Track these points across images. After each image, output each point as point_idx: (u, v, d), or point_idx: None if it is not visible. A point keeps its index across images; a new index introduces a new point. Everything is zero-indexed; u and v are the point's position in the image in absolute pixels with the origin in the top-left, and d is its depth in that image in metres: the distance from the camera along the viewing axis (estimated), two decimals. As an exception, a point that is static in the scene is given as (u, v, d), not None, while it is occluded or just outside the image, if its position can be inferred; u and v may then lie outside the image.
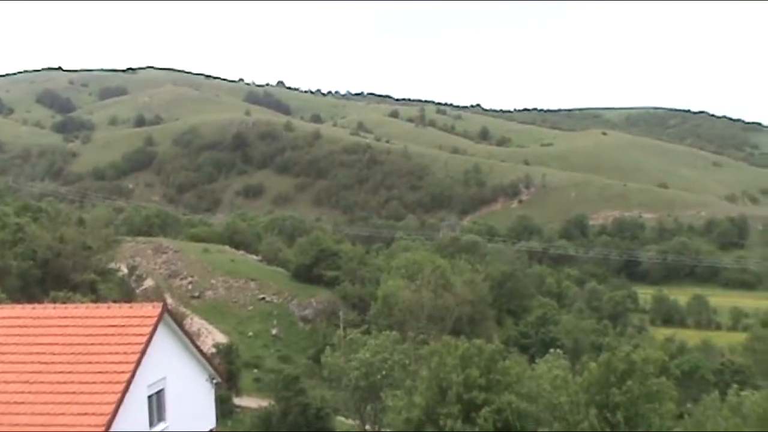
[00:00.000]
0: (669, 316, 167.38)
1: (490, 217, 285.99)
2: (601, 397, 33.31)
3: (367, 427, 45.16)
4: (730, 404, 35.45)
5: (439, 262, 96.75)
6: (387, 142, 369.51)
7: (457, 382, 33.86)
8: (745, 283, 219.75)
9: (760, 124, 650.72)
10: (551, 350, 50.21)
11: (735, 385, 40.31)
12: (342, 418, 51.17)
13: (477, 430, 32.27)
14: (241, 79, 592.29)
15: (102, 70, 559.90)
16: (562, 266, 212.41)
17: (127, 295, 66.16)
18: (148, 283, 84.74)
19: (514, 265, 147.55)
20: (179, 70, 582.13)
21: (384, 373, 42.90)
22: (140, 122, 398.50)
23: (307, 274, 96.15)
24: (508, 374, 35.49)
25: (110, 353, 24.50)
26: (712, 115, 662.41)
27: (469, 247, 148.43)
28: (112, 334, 25.32)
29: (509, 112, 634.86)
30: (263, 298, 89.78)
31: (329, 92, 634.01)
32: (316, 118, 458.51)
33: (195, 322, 70.85)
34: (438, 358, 36.17)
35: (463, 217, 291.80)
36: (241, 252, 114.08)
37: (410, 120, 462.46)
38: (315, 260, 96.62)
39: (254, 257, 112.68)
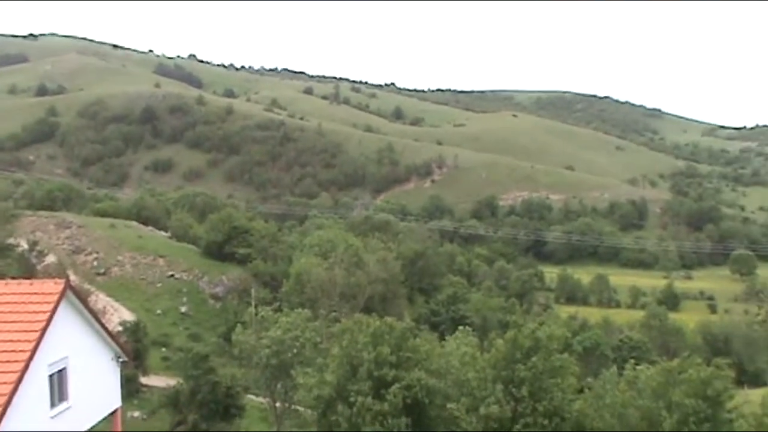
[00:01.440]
0: (572, 295, 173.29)
1: (403, 197, 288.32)
2: (507, 372, 34.22)
3: (278, 404, 45.04)
4: (626, 378, 37.04)
5: (352, 240, 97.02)
6: (301, 118, 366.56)
7: (368, 360, 34.14)
8: (644, 262, 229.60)
9: (659, 110, 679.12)
10: (460, 328, 51.23)
11: (632, 360, 42.10)
12: (252, 396, 50.87)
13: (387, 406, 32.66)
14: (151, 51, 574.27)
15: (0, 35, 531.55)
16: (473, 245, 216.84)
17: (27, 271, 63.52)
18: (50, 259, 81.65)
19: (426, 244, 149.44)
20: (84, 39, 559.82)
21: (295, 351, 42.77)
22: (42, 92, 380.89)
23: (218, 252, 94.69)
24: (418, 351, 36.00)
25: (9, 331, 23.59)
26: (616, 101, 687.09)
27: (381, 225, 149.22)
28: (11, 312, 24.37)
29: (423, 92, 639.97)
30: (172, 276, 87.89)
31: (242, 67, 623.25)
32: (229, 93, 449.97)
33: (100, 300, 68.90)
34: (349, 335, 36.34)
35: (376, 195, 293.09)
36: (150, 228, 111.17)
37: (325, 97, 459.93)
38: (227, 237, 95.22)
39: (163, 234, 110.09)
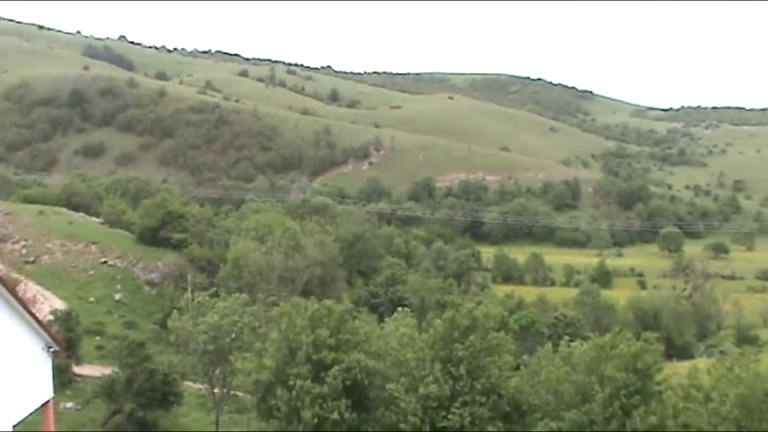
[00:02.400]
0: (509, 274, 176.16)
1: (340, 179, 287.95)
2: (445, 352, 34.63)
3: (216, 390, 44.62)
4: (561, 355, 37.95)
5: (289, 224, 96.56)
6: (236, 101, 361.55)
7: (306, 343, 34.08)
8: (577, 241, 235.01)
9: (591, 92, 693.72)
10: (399, 309, 51.58)
11: (566, 337, 43.19)
12: (190, 383, 50.23)
13: (326, 389, 32.71)
14: (79, 32, 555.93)
15: None
16: (410, 227, 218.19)
17: (-50, 261, 61.18)
18: (-25, 248, 78.78)
19: (364, 226, 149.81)
20: (6, 19, 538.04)
21: (233, 336, 42.38)
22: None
23: (152, 237, 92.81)
24: (357, 334, 36.10)
25: (-69, 324, 22.71)
26: (549, 83, 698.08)
27: (319, 208, 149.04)
28: (-67, 304, 23.45)
29: (360, 74, 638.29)
30: (105, 262, 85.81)
31: (175, 49, 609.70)
32: (161, 76, 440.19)
33: (30, 289, 66.87)
34: (288, 319, 36.20)
35: (313, 178, 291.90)
36: (81, 214, 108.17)
37: (260, 80, 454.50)
38: (161, 223, 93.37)
39: (95, 220, 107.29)
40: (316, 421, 32.38)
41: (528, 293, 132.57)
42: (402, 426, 33.64)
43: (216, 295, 51.35)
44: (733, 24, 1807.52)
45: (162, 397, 45.62)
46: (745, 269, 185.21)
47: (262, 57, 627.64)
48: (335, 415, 32.36)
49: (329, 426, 32.60)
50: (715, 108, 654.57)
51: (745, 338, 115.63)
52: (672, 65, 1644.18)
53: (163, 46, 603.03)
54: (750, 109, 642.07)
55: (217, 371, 43.71)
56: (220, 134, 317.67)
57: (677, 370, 44.98)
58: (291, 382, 33.41)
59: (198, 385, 48.79)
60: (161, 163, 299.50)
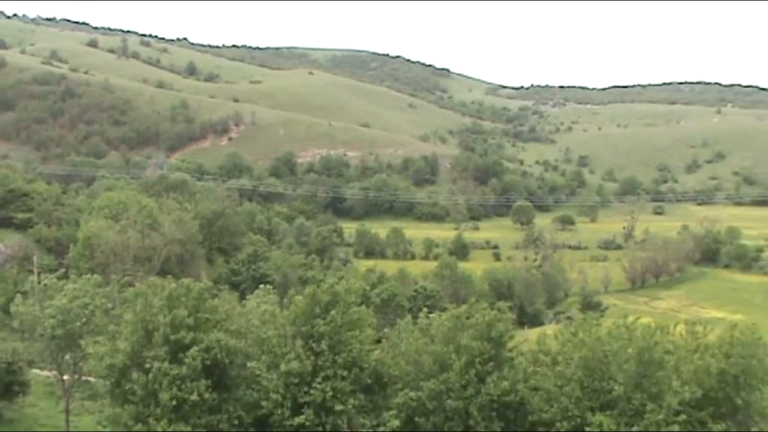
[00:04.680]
0: (370, 249, 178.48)
1: (199, 155, 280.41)
2: (307, 328, 34.74)
3: (66, 377, 42.56)
4: (420, 326, 39.01)
5: (145, 201, 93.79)
6: (85, 73, 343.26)
7: (164, 324, 33.13)
8: (436, 216, 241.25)
9: (448, 70, 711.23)
10: (261, 286, 51.18)
11: (426, 309, 44.35)
12: (37, 371, 47.71)
13: (185, 370, 31.98)
14: None
15: None
16: (272, 203, 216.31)
17: None
18: None
19: (225, 203, 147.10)
20: None
21: (84, 319, 40.51)
22: None
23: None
24: (217, 312, 35.49)
25: None
26: (408, 60, 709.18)
27: (177, 185, 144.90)
28: None
29: (218, 47, 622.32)
30: (-61, 245, 79.65)
31: (15, 15, 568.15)
32: (0, 44, 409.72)
33: None
34: (144, 300, 35.02)
35: (170, 154, 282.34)
36: None
37: (111, 51, 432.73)
38: (2, 202, 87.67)
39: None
40: (174, 403, 31.64)
41: (389, 267, 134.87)
42: (264, 403, 33.55)
43: (65, 276, 48.97)
44: (577, 7, 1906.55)
45: (6, 388, 43.20)
46: (589, 239, 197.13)
47: (112, 27, 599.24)
48: (195, 396, 31.75)
49: (189, 407, 31.94)
50: (561, 87, 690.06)
51: (589, 304, 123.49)
52: (523, 46, 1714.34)
53: (2, 12, 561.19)
54: (593, 89, 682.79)
55: (67, 357, 41.82)
56: (67, 107, 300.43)
57: (528, 337, 47.49)
58: (147, 365, 32.45)
59: (46, 373, 46.43)
60: (2, 138, 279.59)
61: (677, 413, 30.21)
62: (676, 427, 29.93)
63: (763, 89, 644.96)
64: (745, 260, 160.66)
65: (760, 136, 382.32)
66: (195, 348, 32.56)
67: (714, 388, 32.03)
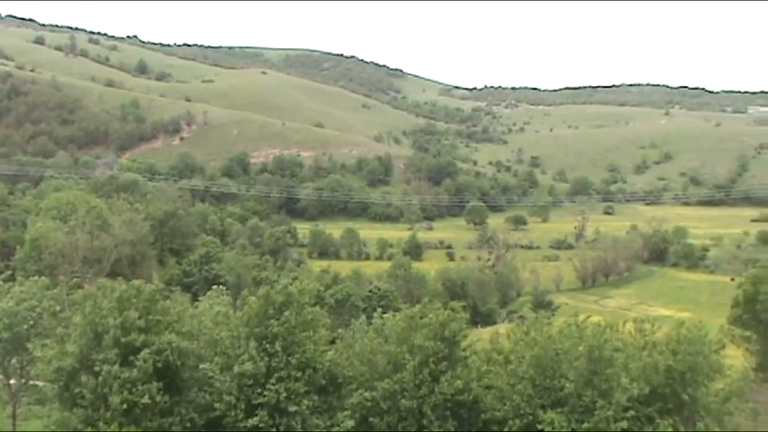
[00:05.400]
0: (325, 249, 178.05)
1: (150, 155, 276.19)
2: (261, 329, 34.53)
3: (12, 381, 41.59)
4: (374, 326, 39.08)
5: (95, 202, 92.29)
6: (32, 71, 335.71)
7: (114, 326, 32.57)
8: (390, 216, 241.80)
9: (402, 70, 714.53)
10: (214, 287, 50.72)
11: (380, 309, 44.45)
12: (-18, 376, 46.45)
13: (135, 372, 31.50)
14: None
15: None
16: (225, 204, 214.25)
17: None
18: None
19: (177, 203, 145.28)
20: None
21: (31, 322, 39.73)
22: None
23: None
24: (168, 314, 35.01)
25: None
26: (362, 60, 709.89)
27: (128, 185, 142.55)
28: None
29: (169, 46, 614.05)
30: None
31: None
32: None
33: None
34: (93, 302, 34.38)
35: (120, 154, 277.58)
36: None
37: (59, 48, 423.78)
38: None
39: None
40: (125, 406, 31.14)
41: (343, 267, 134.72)
42: (217, 405, 33.26)
43: (12, 279, 47.91)
44: (529, 10, 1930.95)
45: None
46: (541, 239, 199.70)
47: (60, 24, 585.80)
48: (146, 399, 31.29)
49: (139, 411, 31.48)
50: (514, 88, 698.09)
51: (541, 303, 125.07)
52: (476, 47, 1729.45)
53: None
54: (544, 90, 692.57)
55: (14, 361, 40.97)
56: (14, 106, 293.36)
57: (481, 336, 47.82)
58: (97, 368, 31.88)
59: (-8, 377, 45.25)
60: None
61: (626, 409, 30.83)
62: (624, 423, 30.54)
63: (710, 92, 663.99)
64: (692, 259, 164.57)
65: (706, 137, 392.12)
66: (146, 350, 32.10)
67: (661, 384, 32.73)
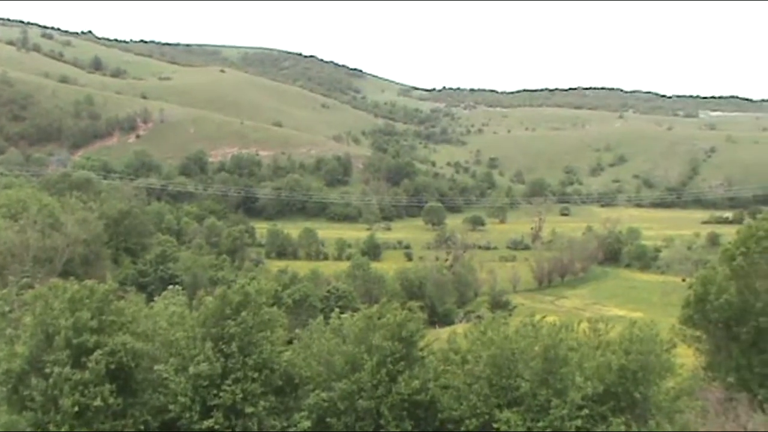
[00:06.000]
0: (283, 249, 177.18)
1: (104, 152, 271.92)
2: (217, 329, 34.17)
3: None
4: (332, 326, 38.96)
5: (46, 200, 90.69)
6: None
7: (65, 327, 31.89)
8: (349, 216, 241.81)
9: (361, 70, 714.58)
10: (170, 287, 50.06)
11: (338, 309, 44.37)
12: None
13: (88, 374, 30.92)
14: None
15: None
16: (182, 203, 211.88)
17: None
18: None
19: (132, 202, 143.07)
20: None
21: (-21, 323, 38.65)
22: None
23: None
24: (122, 314, 34.42)
25: None
26: (321, 60, 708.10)
27: (81, 183, 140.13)
28: None
29: (124, 42, 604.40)
30: None
31: None
32: None
33: None
34: (44, 302, 33.64)
35: (74, 151, 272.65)
36: None
37: (11, 43, 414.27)
38: None
39: None
40: (76, 409, 30.51)
41: (302, 267, 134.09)
42: (171, 407, 32.79)
43: (-42, 279, 46.56)
44: (487, 11, 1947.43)
45: None
46: (499, 240, 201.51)
47: (11, 18, 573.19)
48: (98, 402, 30.67)
49: (91, 413, 30.88)
50: (472, 90, 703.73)
51: (498, 303, 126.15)
52: (435, 48, 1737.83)
53: None
54: (502, 92, 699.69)
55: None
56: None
57: (439, 336, 48.05)
58: (47, 370, 31.17)
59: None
60: None
61: (580, 408, 31.24)
62: (579, 422, 30.96)
63: (662, 96, 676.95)
64: (645, 260, 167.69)
65: (658, 141, 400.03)
66: (99, 351, 31.49)
67: (614, 383, 33.23)
